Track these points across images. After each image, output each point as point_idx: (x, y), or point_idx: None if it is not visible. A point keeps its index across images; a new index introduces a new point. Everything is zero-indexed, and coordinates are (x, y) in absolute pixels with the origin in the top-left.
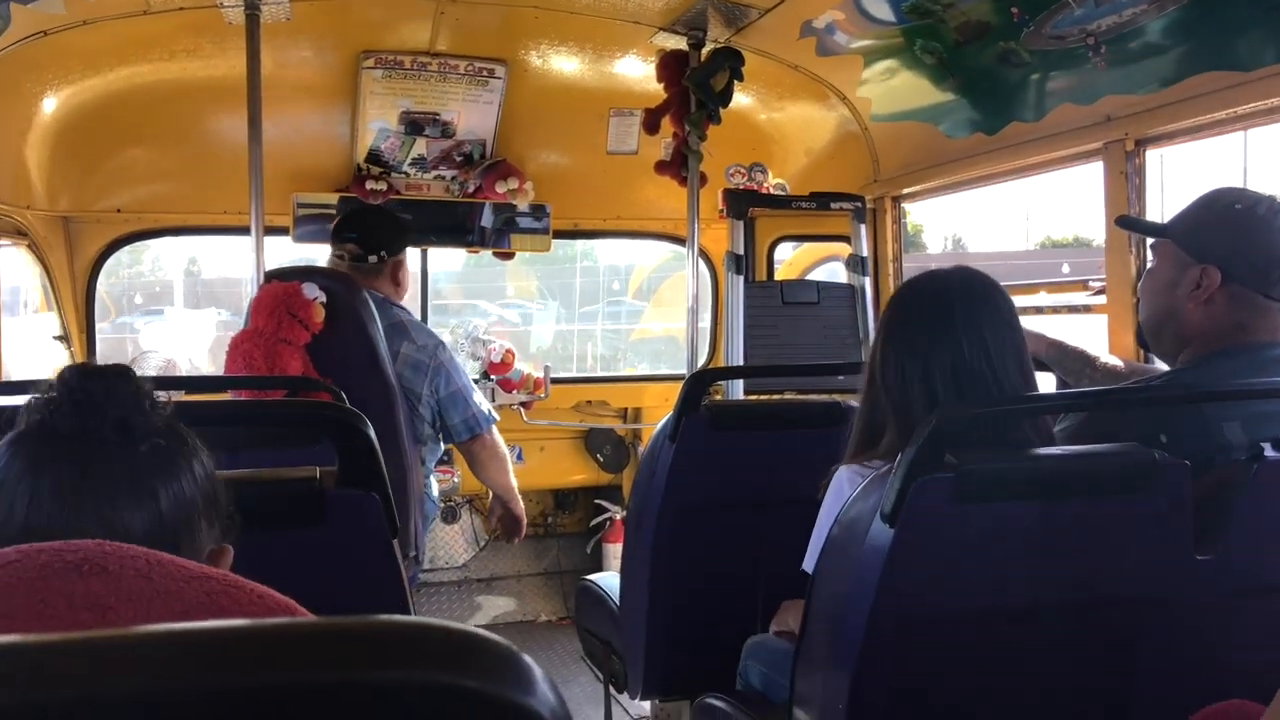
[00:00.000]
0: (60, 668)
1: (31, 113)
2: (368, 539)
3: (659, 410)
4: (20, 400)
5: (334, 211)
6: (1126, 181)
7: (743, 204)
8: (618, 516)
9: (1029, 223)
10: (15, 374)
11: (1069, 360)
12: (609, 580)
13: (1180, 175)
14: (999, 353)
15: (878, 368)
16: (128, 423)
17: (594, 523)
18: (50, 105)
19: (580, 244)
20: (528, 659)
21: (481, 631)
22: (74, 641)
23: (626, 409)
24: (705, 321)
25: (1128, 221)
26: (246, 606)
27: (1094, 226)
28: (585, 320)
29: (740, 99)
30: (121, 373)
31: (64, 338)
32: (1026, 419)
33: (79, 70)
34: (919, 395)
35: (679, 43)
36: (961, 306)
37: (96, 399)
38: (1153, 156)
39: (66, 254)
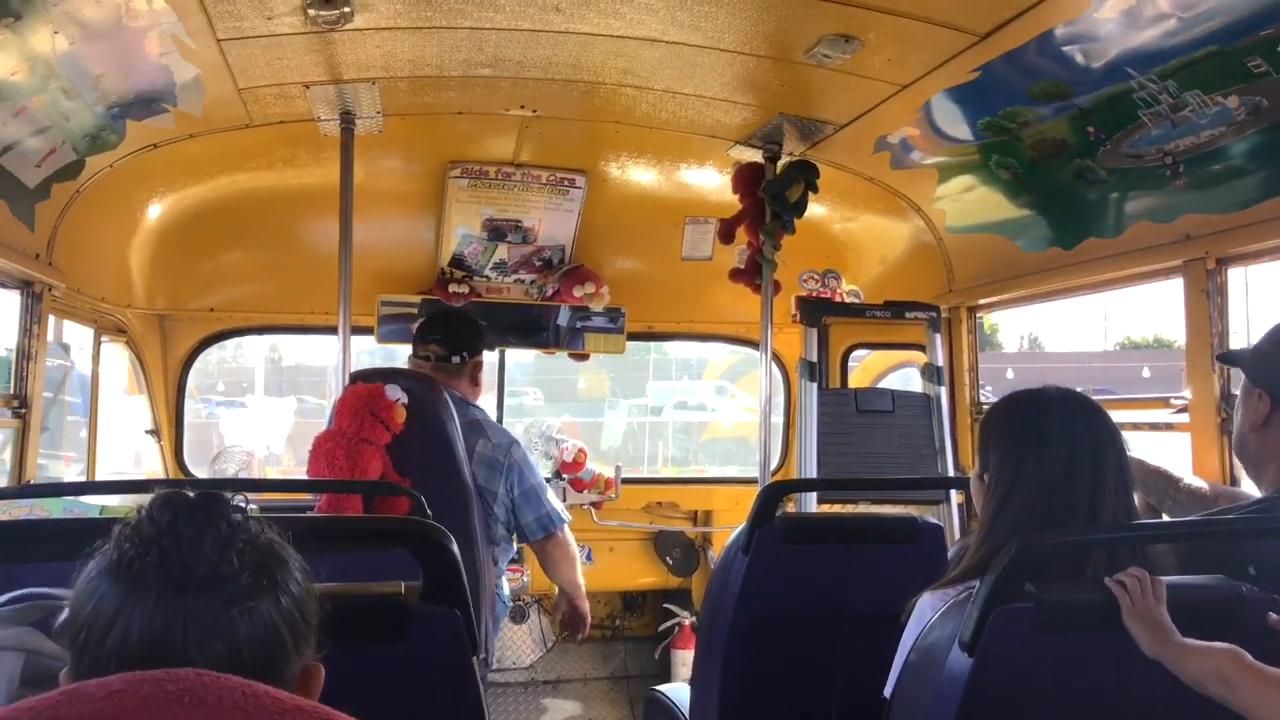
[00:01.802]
0: None
1: (138, 218)
2: (449, 654)
3: (729, 514)
4: (110, 500)
5: (416, 312)
6: (1208, 300)
7: (816, 311)
8: (687, 622)
9: (1107, 323)
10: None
11: (1150, 480)
12: (678, 692)
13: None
14: (1098, 476)
15: (973, 484)
16: (215, 575)
17: (662, 628)
18: (155, 211)
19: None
20: None
21: None
22: None
23: (697, 511)
24: (778, 416)
25: (1228, 358)
26: None
27: (1174, 328)
28: (656, 414)
29: (815, 208)
30: (210, 512)
31: (155, 432)
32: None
33: (183, 179)
34: (1009, 518)
35: (755, 155)
36: (1059, 427)
37: (185, 547)
38: (1237, 274)
39: (161, 350)
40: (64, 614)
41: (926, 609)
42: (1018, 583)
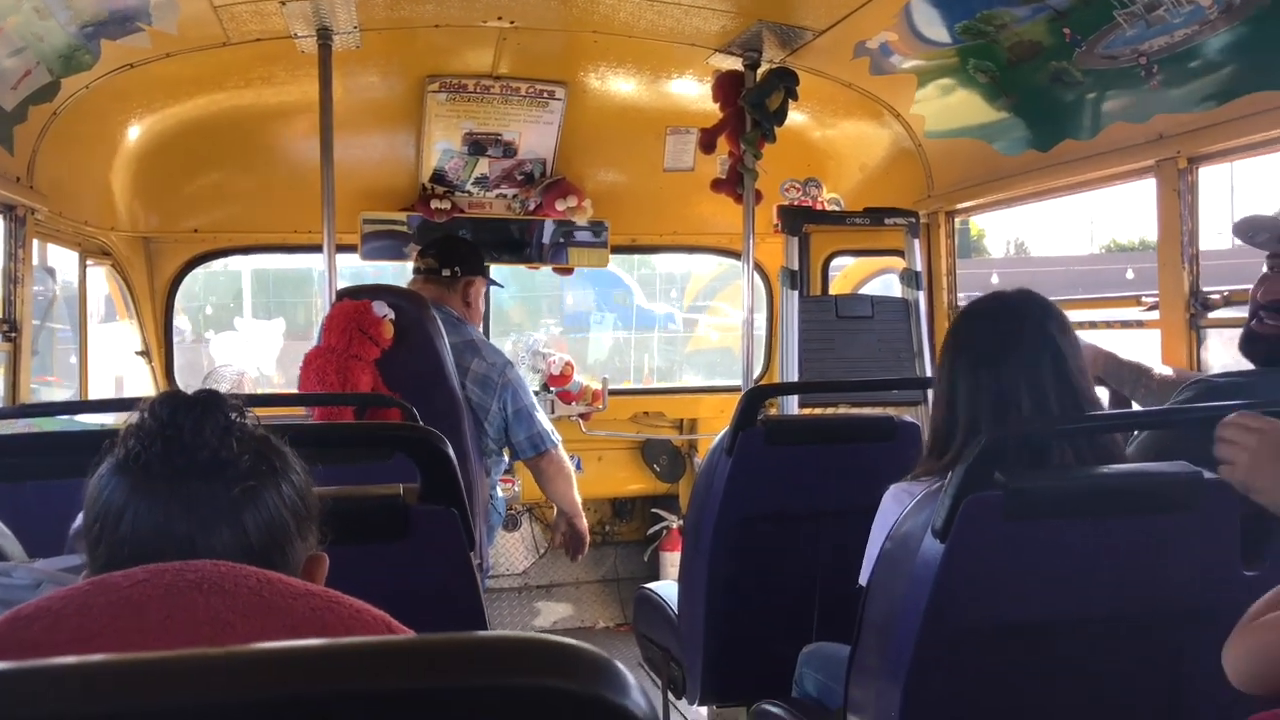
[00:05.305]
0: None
1: (117, 140)
2: (448, 551)
3: (715, 421)
4: (104, 417)
5: (399, 229)
6: (1179, 199)
7: (797, 220)
8: (674, 526)
9: (1093, 227)
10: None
11: (1124, 373)
12: (667, 588)
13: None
14: (1050, 375)
15: (936, 389)
16: (217, 460)
17: (651, 531)
18: (134, 133)
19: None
20: (622, 667)
21: (583, 644)
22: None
23: (682, 420)
24: (760, 329)
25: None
26: (347, 620)
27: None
28: (642, 328)
29: (795, 116)
30: (209, 404)
31: (145, 353)
32: (1085, 438)
33: (161, 99)
34: (967, 415)
35: (735, 63)
36: (1013, 330)
37: (186, 436)
38: (1221, 170)
39: (147, 273)
40: (78, 520)
41: (890, 501)
42: (988, 472)
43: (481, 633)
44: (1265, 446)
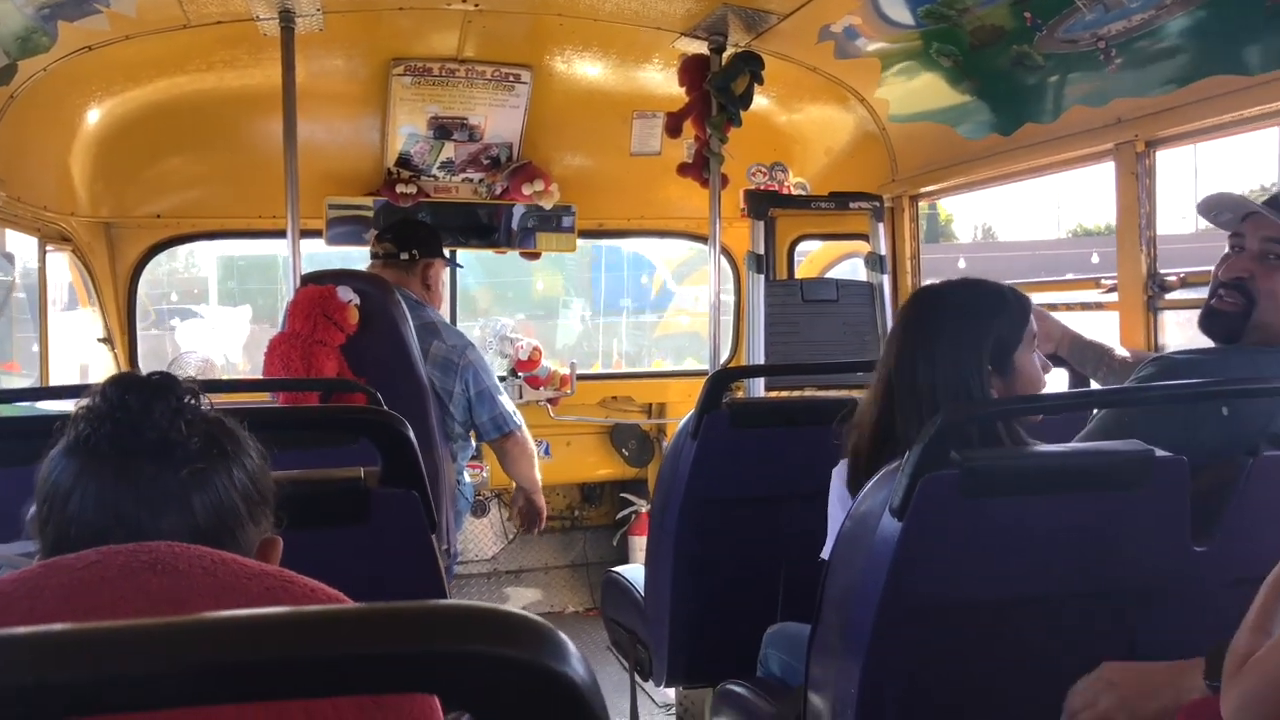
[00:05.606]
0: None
1: (76, 124)
2: (409, 534)
3: (682, 405)
4: (66, 405)
5: (364, 213)
6: (1137, 182)
7: (763, 204)
8: (643, 510)
9: (1060, 211)
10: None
11: (1087, 354)
12: (634, 572)
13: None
14: (944, 366)
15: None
16: (165, 441)
17: (619, 516)
18: (94, 116)
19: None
20: (563, 635)
21: (524, 613)
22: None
23: (651, 404)
24: (728, 312)
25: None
26: (301, 599)
27: None
28: (610, 314)
29: (760, 101)
30: (160, 386)
31: (107, 340)
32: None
33: (121, 82)
34: (896, 399)
35: (700, 47)
36: (927, 323)
37: (134, 416)
38: (1185, 155)
39: (108, 259)
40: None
41: (838, 479)
42: (944, 451)
43: (426, 601)
44: (1127, 695)
